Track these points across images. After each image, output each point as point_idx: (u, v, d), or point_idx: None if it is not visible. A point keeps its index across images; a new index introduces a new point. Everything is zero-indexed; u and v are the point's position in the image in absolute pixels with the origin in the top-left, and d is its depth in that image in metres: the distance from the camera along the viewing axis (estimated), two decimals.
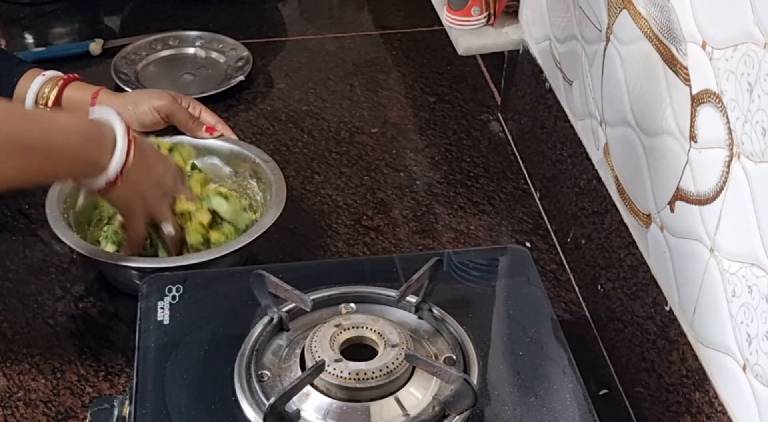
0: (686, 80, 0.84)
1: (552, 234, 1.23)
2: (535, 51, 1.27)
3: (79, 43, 1.59)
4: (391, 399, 0.81)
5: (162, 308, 0.91)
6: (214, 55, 1.57)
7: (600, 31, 1.03)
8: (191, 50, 1.58)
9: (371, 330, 0.84)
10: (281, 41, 1.64)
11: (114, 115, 0.98)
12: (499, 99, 1.46)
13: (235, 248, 1.06)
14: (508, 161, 1.36)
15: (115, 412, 0.88)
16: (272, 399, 0.77)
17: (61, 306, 1.11)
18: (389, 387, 0.81)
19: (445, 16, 1.36)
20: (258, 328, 0.87)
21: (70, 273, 1.15)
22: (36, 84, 1.19)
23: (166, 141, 1.16)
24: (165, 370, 0.85)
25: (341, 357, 0.81)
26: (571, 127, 1.15)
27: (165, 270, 0.99)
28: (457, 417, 0.80)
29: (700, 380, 0.85)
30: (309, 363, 0.82)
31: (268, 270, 0.88)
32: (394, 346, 0.82)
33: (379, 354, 0.82)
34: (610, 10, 0.99)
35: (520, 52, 1.32)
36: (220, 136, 1.22)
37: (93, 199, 1.14)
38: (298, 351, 0.85)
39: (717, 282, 0.81)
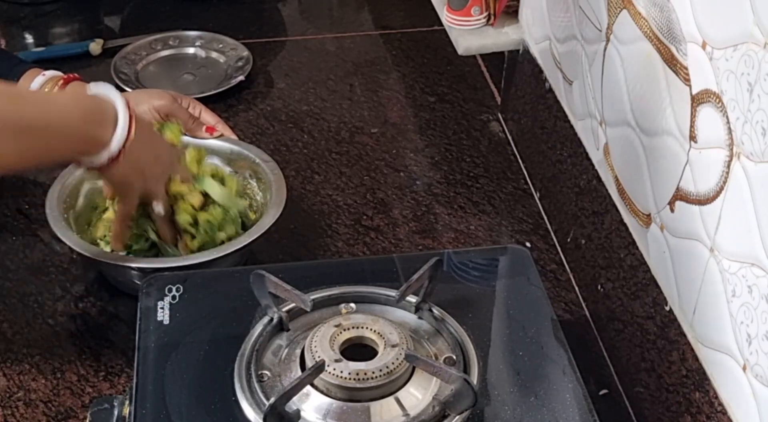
0: (686, 80, 0.84)
1: (552, 234, 1.23)
2: (535, 51, 1.27)
3: (79, 43, 1.59)
4: (391, 399, 0.81)
5: (162, 308, 0.91)
6: (214, 55, 1.57)
7: (600, 31, 1.03)
8: (191, 50, 1.58)
9: (371, 330, 0.84)
10: (281, 41, 1.64)
11: (112, 89, 0.97)
12: (499, 99, 1.46)
13: (235, 248, 1.06)
14: (508, 161, 1.36)
15: (115, 412, 0.88)
16: (272, 399, 0.77)
17: (61, 306, 1.11)
18: (389, 387, 0.81)
19: (445, 16, 1.36)
20: (258, 328, 0.87)
21: (70, 273, 1.15)
22: (36, 84, 1.19)
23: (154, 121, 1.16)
24: (165, 370, 0.85)
25: (341, 357, 0.81)
26: (571, 127, 1.15)
27: (165, 270, 0.99)
28: (457, 417, 0.80)
29: (700, 380, 0.85)
30: (309, 363, 0.82)
31: (268, 270, 0.88)
32: (394, 346, 0.82)
33: (379, 354, 0.82)
34: (610, 10, 0.99)
35: (520, 52, 1.32)
36: (220, 136, 1.22)
37: (93, 198, 1.14)
38: (298, 351, 0.85)
39: (717, 282, 0.81)
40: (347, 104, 1.47)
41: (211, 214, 1.08)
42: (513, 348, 0.88)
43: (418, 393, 0.82)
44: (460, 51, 1.34)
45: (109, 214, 1.13)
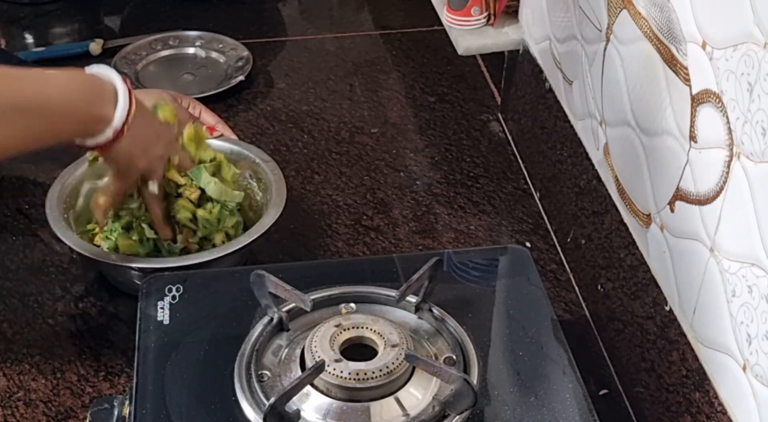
0: (686, 80, 0.84)
1: (552, 234, 1.23)
2: (535, 51, 1.27)
3: (79, 43, 1.59)
4: (391, 399, 0.81)
5: (162, 308, 0.91)
6: (214, 55, 1.57)
7: (600, 31, 1.03)
8: (191, 50, 1.58)
9: (371, 330, 0.84)
10: (281, 41, 1.64)
11: (108, 68, 0.97)
12: (499, 99, 1.46)
13: (235, 248, 1.06)
14: (508, 161, 1.36)
15: (115, 412, 0.88)
16: (272, 399, 0.77)
17: (61, 306, 1.11)
18: (389, 387, 0.81)
19: (445, 16, 1.36)
20: (258, 328, 0.87)
21: (70, 273, 1.15)
22: None
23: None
24: (165, 370, 0.85)
25: (341, 357, 0.81)
26: (571, 127, 1.15)
27: (165, 270, 0.99)
28: (457, 417, 0.80)
29: (700, 380, 0.85)
30: (309, 363, 0.82)
31: (268, 270, 0.88)
32: (394, 346, 0.82)
33: (379, 354, 0.82)
34: (610, 10, 0.99)
35: (520, 52, 1.32)
36: (220, 136, 1.22)
37: (93, 198, 1.14)
38: (298, 351, 0.85)
39: (717, 282, 0.81)
40: (347, 104, 1.47)
41: (208, 212, 1.08)
42: (513, 348, 0.88)
43: (418, 393, 0.82)
44: (460, 51, 1.34)
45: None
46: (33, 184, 1.28)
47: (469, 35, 1.33)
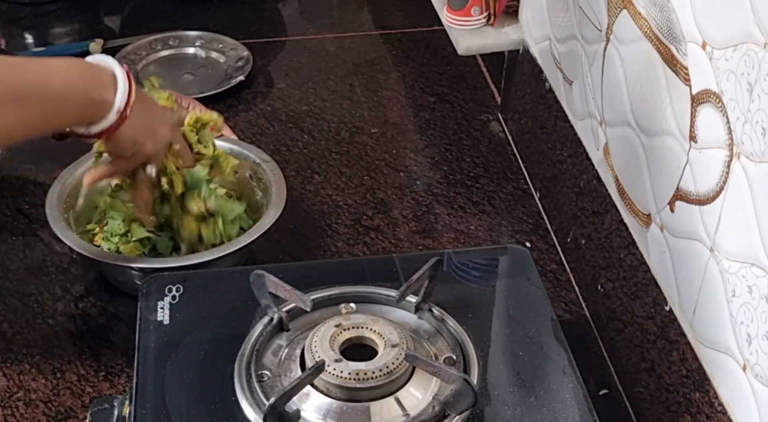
0: (686, 80, 0.84)
1: (552, 234, 1.23)
2: (535, 51, 1.27)
3: (79, 43, 1.59)
4: (391, 399, 0.81)
5: (162, 308, 0.91)
6: (214, 55, 1.57)
7: (600, 31, 1.03)
8: (191, 50, 1.58)
9: (371, 330, 0.84)
10: (281, 41, 1.64)
11: (106, 56, 0.97)
12: (499, 99, 1.46)
13: (235, 248, 1.06)
14: (508, 161, 1.36)
15: (115, 412, 0.88)
16: (272, 399, 0.77)
17: (61, 306, 1.11)
18: (389, 387, 0.81)
19: (445, 16, 1.36)
20: (258, 328, 0.87)
21: (70, 273, 1.16)
22: None
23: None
24: (165, 370, 0.85)
25: (341, 357, 0.81)
26: (571, 127, 1.15)
27: (165, 270, 0.99)
28: (457, 417, 0.80)
29: (700, 380, 0.85)
30: (309, 363, 0.82)
31: (268, 270, 0.88)
32: (394, 346, 0.82)
33: (379, 354, 0.82)
34: (610, 10, 0.99)
35: (520, 52, 1.32)
36: (220, 136, 1.22)
37: (93, 198, 1.14)
38: (298, 351, 0.85)
39: (717, 282, 0.81)
40: (347, 104, 1.47)
41: (212, 230, 1.08)
42: (513, 348, 0.88)
43: (418, 393, 0.82)
44: (460, 51, 1.34)
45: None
46: (33, 184, 1.28)
47: (469, 35, 1.33)
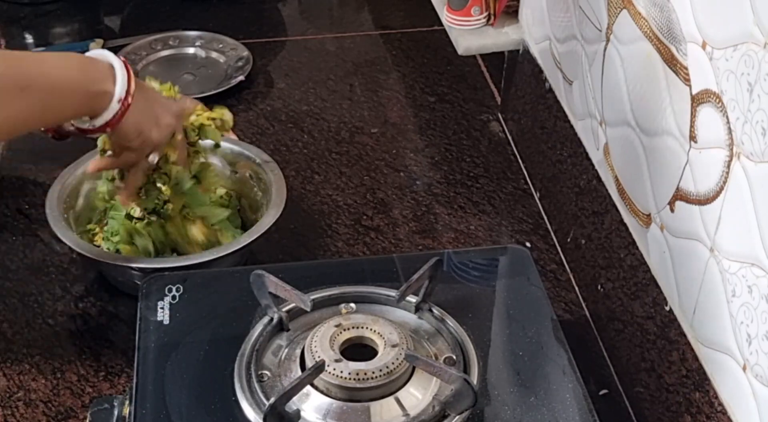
0: (686, 80, 0.84)
1: (552, 234, 1.23)
2: (535, 51, 1.27)
3: (79, 43, 1.58)
4: (391, 399, 0.81)
5: (162, 308, 0.91)
6: (214, 55, 1.57)
7: (600, 31, 1.03)
8: (191, 50, 1.58)
9: (371, 330, 0.84)
10: (281, 41, 1.64)
11: (104, 50, 0.97)
12: (499, 99, 1.46)
13: (235, 248, 1.06)
14: (508, 161, 1.36)
15: (115, 412, 0.88)
16: (272, 399, 0.77)
17: (61, 306, 1.11)
18: (389, 387, 0.81)
19: (445, 16, 1.36)
20: (258, 328, 0.87)
21: (70, 273, 1.15)
22: None
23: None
24: (165, 370, 0.85)
25: (341, 357, 0.81)
26: (571, 127, 1.15)
27: (165, 270, 0.99)
28: (457, 417, 0.80)
29: (700, 380, 0.85)
30: (309, 363, 0.82)
31: (268, 270, 0.88)
32: (394, 346, 0.82)
33: (379, 354, 0.82)
34: (610, 10, 0.99)
35: (520, 52, 1.32)
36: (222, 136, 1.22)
37: (93, 198, 1.14)
38: (298, 351, 0.85)
39: (717, 282, 0.81)
40: (347, 104, 1.47)
41: (199, 230, 1.09)
42: (513, 348, 0.88)
43: (418, 393, 0.82)
44: (460, 51, 1.34)
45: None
46: (33, 184, 1.28)
47: (469, 35, 1.33)
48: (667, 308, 0.91)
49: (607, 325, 1.05)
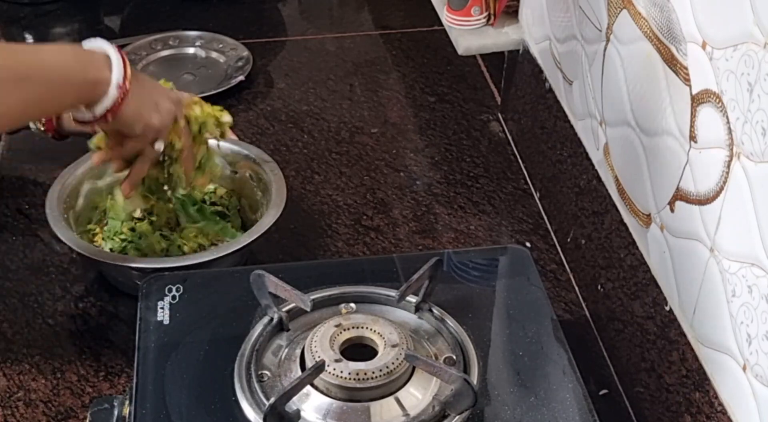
0: (686, 80, 0.84)
1: (552, 234, 1.23)
2: (535, 51, 1.27)
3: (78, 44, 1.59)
4: (391, 399, 0.81)
5: (162, 308, 0.91)
6: (214, 55, 1.57)
7: (600, 31, 1.03)
8: (191, 50, 1.58)
9: (371, 330, 0.84)
10: (281, 41, 1.64)
11: (99, 39, 0.97)
12: (499, 99, 1.46)
13: (235, 248, 1.06)
14: (508, 161, 1.36)
15: (115, 412, 0.88)
16: (272, 399, 0.77)
17: (61, 306, 1.11)
18: (389, 387, 0.81)
19: (445, 16, 1.36)
20: (258, 328, 0.87)
21: (70, 273, 1.15)
22: None
23: None
24: (165, 370, 0.85)
25: (341, 357, 0.81)
26: (571, 127, 1.15)
27: (165, 270, 0.99)
28: (457, 417, 0.80)
29: (700, 380, 0.85)
30: (309, 363, 0.82)
31: (268, 270, 0.88)
32: (394, 346, 0.82)
33: (379, 354, 0.82)
34: (610, 10, 0.99)
35: (520, 52, 1.32)
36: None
37: (93, 198, 1.14)
38: (298, 351, 0.85)
39: (717, 282, 0.81)
40: (347, 104, 1.47)
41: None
42: (513, 348, 0.88)
43: (418, 393, 0.82)
44: (460, 51, 1.34)
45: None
46: (33, 184, 1.28)
47: (469, 35, 1.33)
48: (667, 308, 0.91)
49: (607, 325, 1.05)
